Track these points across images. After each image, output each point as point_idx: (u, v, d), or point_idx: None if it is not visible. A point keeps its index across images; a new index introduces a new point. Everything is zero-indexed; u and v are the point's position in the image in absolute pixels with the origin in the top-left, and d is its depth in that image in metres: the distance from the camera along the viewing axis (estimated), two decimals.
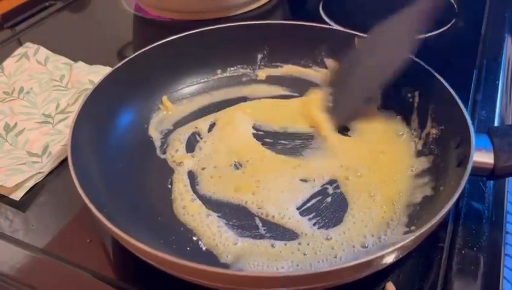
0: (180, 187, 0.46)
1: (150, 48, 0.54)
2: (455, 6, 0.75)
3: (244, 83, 0.59)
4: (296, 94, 0.58)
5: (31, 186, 0.47)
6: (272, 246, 0.40)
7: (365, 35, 0.54)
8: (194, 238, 0.42)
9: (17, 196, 0.47)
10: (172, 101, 0.56)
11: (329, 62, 0.58)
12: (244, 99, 0.57)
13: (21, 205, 0.46)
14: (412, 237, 0.33)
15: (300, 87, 0.58)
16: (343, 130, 0.52)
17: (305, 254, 0.40)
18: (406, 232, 0.40)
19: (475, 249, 0.40)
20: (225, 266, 0.39)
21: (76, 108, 0.46)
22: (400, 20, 0.48)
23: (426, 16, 0.47)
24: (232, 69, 0.60)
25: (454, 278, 0.38)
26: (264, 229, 0.42)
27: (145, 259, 0.35)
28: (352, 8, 0.78)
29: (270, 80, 0.59)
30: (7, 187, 0.46)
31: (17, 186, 0.47)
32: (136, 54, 0.53)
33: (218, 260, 0.40)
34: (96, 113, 0.48)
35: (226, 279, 0.33)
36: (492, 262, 0.40)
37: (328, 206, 0.44)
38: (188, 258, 0.32)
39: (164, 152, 0.51)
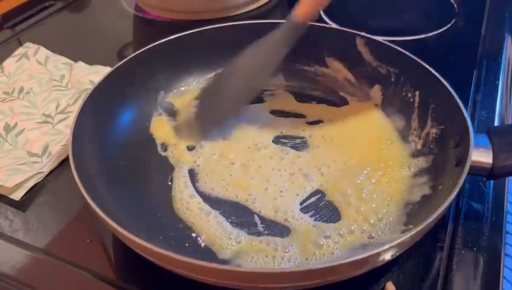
0: (180, 184, 0.46)
1: (151, 47, 0.54)
2: (455, 6, 0.75)
3: None
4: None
5: (31, 186, 0.47)
6: (270, 243, 0.41)
7: (366, 35, 0.54)
8: (193, 235, 0.42)
9: (17, 196, 0.47)
10: (173, 99, 0.56)
11: (331, 61, 0.58)
12: None
13: (21, 205, 0.46)
14: (409, 235, 0.33)
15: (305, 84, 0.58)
16: None
17: (302, 251, 0.40)
18: (403, 231, 0.40)
19: (475, 249, 0.40)
20: (223, 262, 0.39)
21: (76, 108, 0.46)
22: (263, 44, 0.51)
23: (289, 39, 0.50)
24: None
25: (454, 278, 0.38)
26: (263, 227, 0.42)
27: (143, 255, 0.35)
28: (353, 8, 0.78)
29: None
30: (7, 187, 0.46)
31: (17, 186, 0.47)
32: (137, 52, 0.53)
33: (217, 257, 0.40)
34: (97, 111, 0.48)
35: (224, 275, 0.33)
36: (492, 262, 0.40)
37: (327, 204, 0.44)
38: (187, 254, 0.32)
39: (165, 150, 0.51)
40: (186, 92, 0.57)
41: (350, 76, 0.57)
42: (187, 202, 0.44)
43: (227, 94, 0.53)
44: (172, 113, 0.55)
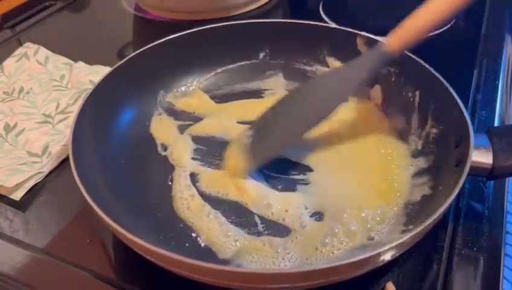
0: (181, 184, 0.46)
1: (151, 47, 0.54)
2: None
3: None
4: None
5: (31, 186, 0.47)
6: (270, 243, 0.41)
7: (366, 34, 0.54)
8: (193, 235, 0.42)
9: (17, 196, 0.47)
10: (173, 98, 0.56)
11: (331, 61, 0.58)
12: None
13: (21, 205, 0.46)
14: (409, 235, 0.33)
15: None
16: None
17: (303, 252, 0.40)
18: (403, 231, 0.40)
19: (475, 249, 0.40)
20: (223, 262, 0.39)
21: (76, 108, 0.46)
22: (339, 73, 0.48)
23: (371, 70, 0.46)
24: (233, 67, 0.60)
25: (454, 278, 0.38)
26: (263, 227, 0.42)
27: (143, 255, 0.35)
28: (353, 8, 0.78)
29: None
30: (7, 187, 0.46)
31: (17, 186, 0.47)
32: (137, 52, 0.53)
33: (217, 257, 0.40)
34: (98, 111, 0.48)
35: (223, 275, 0.33)
36: (492, 262, 0.40)
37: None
38: (186, 254, 0.32)
39: (165, 149, 0.51)
40: (187, 91, 0.58)
41: None
42: (187, 202, 0.44)
43: (287, 122, 0.48)
44: (172, 112, 0.55)
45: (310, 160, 0.49)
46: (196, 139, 0.52)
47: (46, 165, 0.49)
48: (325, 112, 0.47)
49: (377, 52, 0.46)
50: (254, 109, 0.55)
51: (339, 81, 0.47)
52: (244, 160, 0.47)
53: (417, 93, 0.50)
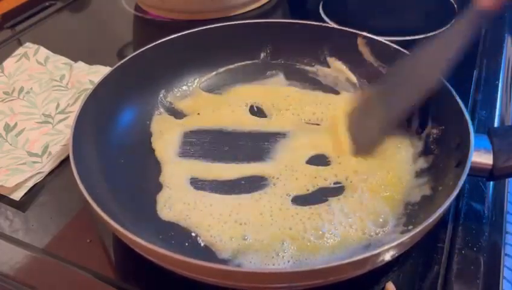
0: (181, 184, 0.46)
1: (151, 46, 0.54)
2: (455, 6, 0.75)
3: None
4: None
5: (31, 186, 0.47)
6: (270, 242, 0.40)
7: (367, 34, 0.54)
8: (193, 234, 0.42)
9: (17, 196, 0.47)
10: (173, 98, 0.56)
11: (332, 61, 0.58)
12: None
13: (21, 205, 0.46)
14: (408, 236, 0.33)
15: (306, 84, 0.58)
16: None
17: (302, 251, 0.40)
18: (403, 231, 0.40)
19: (475, 249, 0.40)
20: (223, 262, 0.39)
21: (76, 108, 0.46)
22: (431, 46, 0.47)
23: (462, 39, 0.45)
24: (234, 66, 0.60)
25: (454, 278, 0.38)
26: None
27: (143, 254, 0.35)
28: (352, 8, 0.78)
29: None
30: (7, 187, 0.46)
31: (17, 186, 0.47)
32: (137, 52, 0.53)
33: (217, 256, 0.40)
34: (98, 111, 0.48)
35: (223, 275, 0.33)
36: (492, 262, 0.40)
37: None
38: (186, 254, 0.32)
39: None
40: (187, 91, 0.57)
41: (351, 76, 0.57)
42: (188, 201, 0.44)
43: (387, 104, 0.48)
44: (173, 112, 0.55)
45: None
46: (198, 135, 0.52)
47: (46, 165, 0.49)
48: (424, 88, 0.46)
49: (471, 13, 0.44)
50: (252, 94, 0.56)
51: (436, 53, 0.46)
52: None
53: None
